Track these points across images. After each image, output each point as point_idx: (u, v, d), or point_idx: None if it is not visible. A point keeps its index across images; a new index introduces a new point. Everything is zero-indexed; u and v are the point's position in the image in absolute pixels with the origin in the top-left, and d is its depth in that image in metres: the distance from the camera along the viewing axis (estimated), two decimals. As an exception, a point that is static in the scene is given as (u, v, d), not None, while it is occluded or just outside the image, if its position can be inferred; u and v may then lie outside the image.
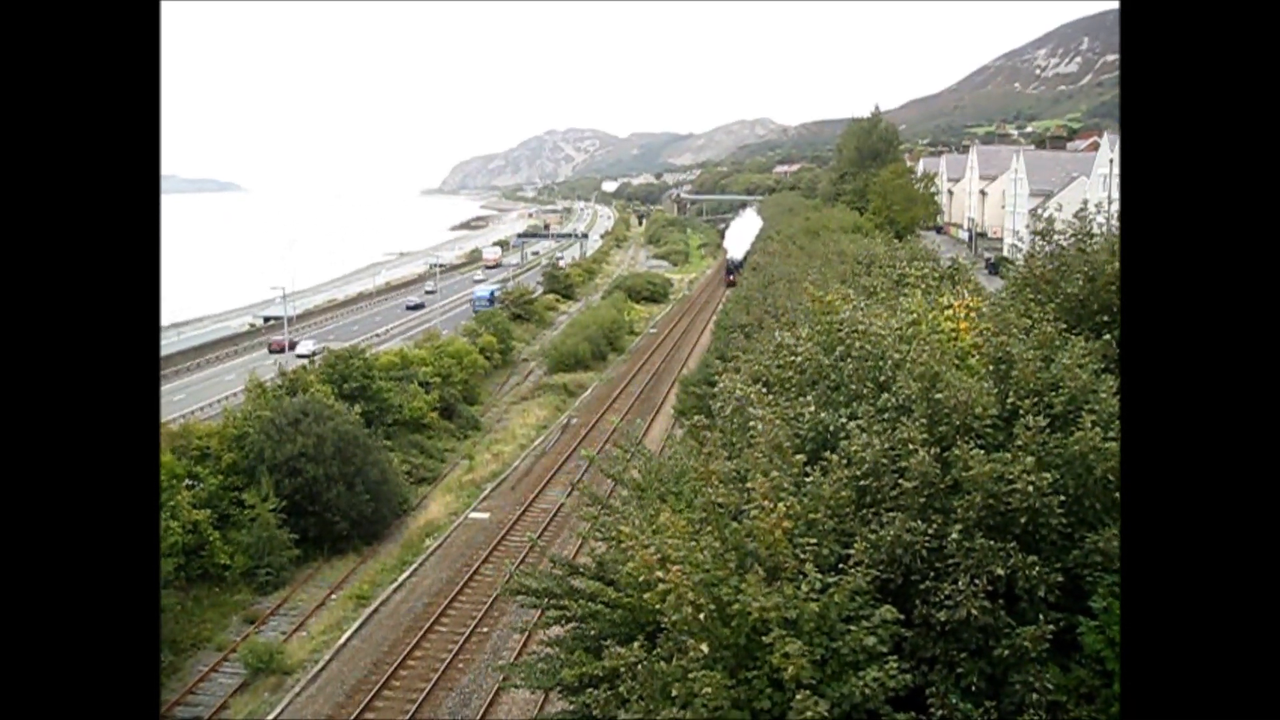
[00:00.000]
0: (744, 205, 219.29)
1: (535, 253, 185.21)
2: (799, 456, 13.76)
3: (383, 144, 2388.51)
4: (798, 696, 10.61)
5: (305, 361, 66.14)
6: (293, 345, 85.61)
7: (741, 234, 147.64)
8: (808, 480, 13.03)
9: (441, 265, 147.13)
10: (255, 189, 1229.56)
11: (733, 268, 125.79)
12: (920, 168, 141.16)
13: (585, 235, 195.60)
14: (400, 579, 40.84)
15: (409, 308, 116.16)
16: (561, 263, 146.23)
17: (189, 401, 64.66)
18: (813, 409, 15.23)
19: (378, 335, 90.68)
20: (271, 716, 30.57)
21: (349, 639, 35.72)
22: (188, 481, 42.10)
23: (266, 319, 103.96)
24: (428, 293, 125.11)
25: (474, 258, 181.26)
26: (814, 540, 12.16)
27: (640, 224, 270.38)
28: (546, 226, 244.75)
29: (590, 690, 14.15)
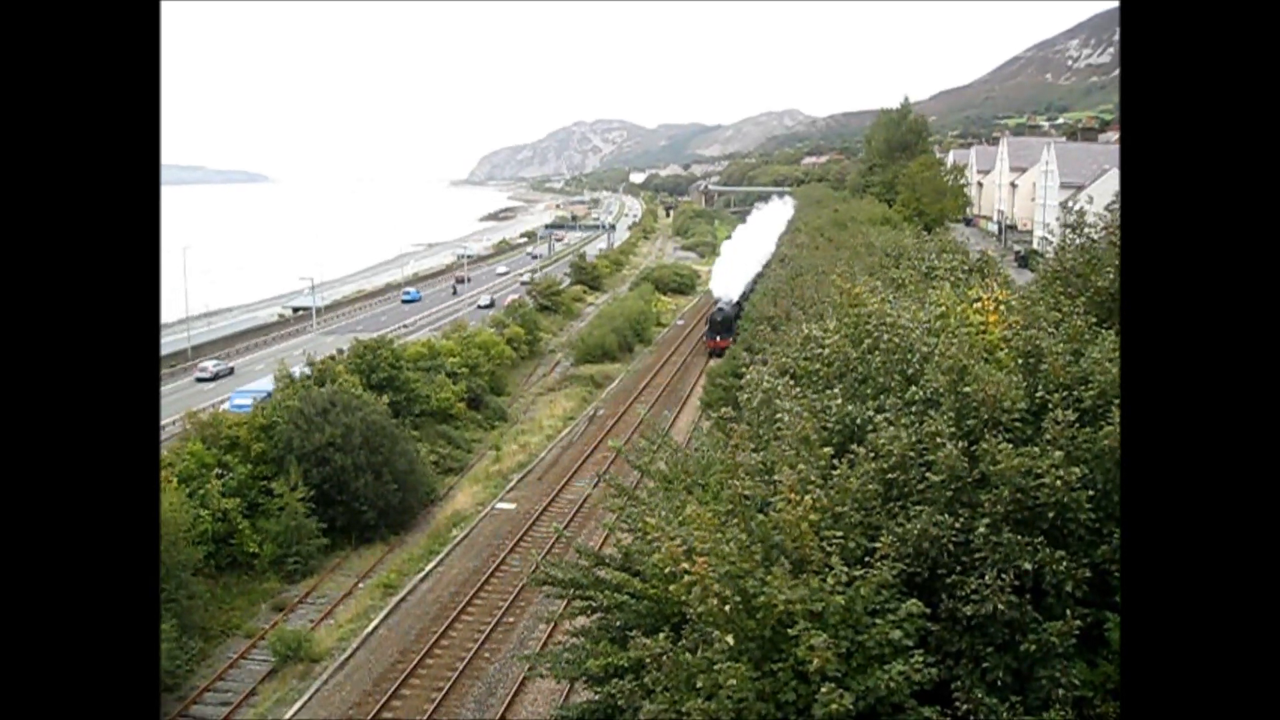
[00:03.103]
0: (755, 202, 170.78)
1: (601, 223, 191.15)
2: (826, 449, 13.75)
3: (411, 135, 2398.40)
4: (823, 689, 10.62)
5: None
6: (463, 281, 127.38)
7: (742, 255, 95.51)
8: (834, 473, 13.01)
9: (469, 256, 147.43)
10: (284, 180, 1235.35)
11: (723, 320, 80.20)
12: (949, 159, 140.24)
13: (613, 227, 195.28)
14: (427, 568, 41.03)
15: (533, 257, 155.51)
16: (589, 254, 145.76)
17: (219, 391, 65.06)
18: (840, 401, 15.21)
19: (405, 325, 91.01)
20: (288, 715, 30.78)
21: (376, 627, 35.92)
22: (217, 470, 42.41)
23: (296, 309, 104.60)
24: (534, 257, 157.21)
25: (502, 248, 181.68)
26: (840, 533, 12.16)
27: (668, 215, 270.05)
28: (574, 218, 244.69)
29: (616, 681, 14.18)
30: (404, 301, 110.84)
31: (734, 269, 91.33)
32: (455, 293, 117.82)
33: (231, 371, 75.23)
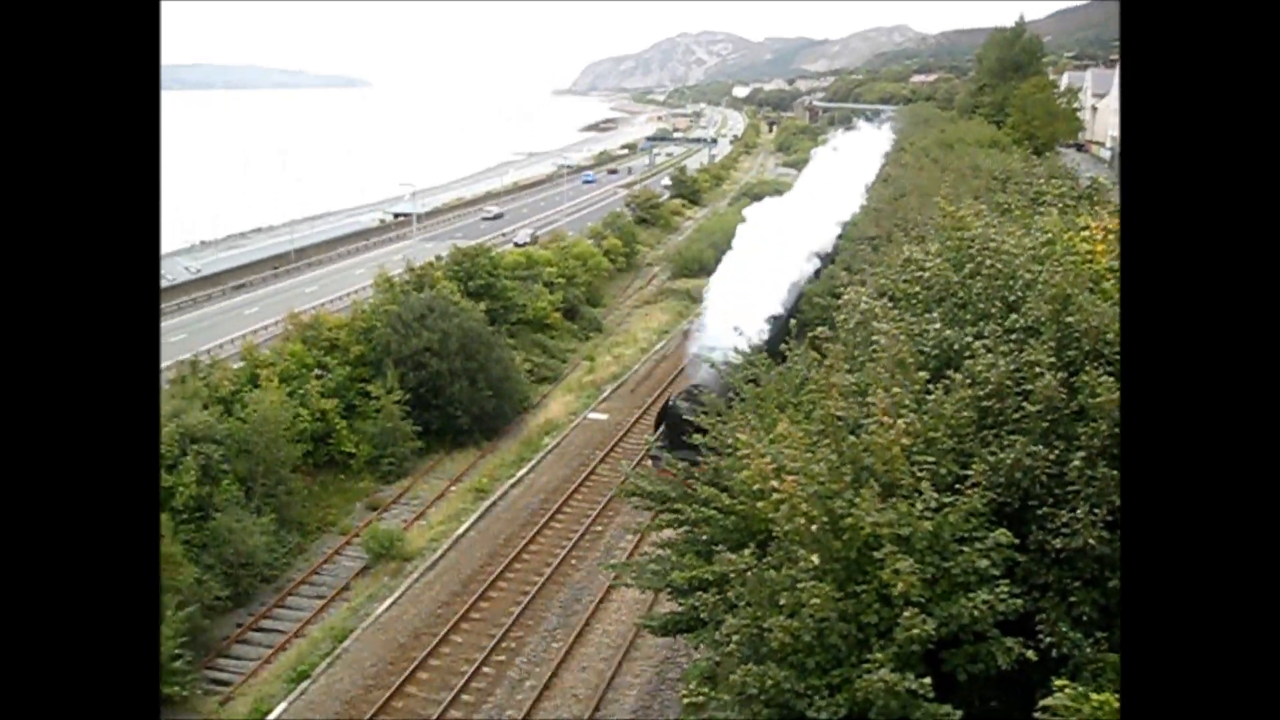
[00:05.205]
0: (844, 123, 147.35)
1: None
2: (921, 373, 13.63)
3: (515, 42, 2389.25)
4: (905, 613, 10.63)
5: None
6: (615, 171, 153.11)
7: (776, 250, 43.28)
8: (929, 398, 12.90)
9: (569, 166, 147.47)
10: (384, 85, 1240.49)
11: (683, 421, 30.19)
12: (1064, 82, 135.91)
13: (714, 140, 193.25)
14: (518, 475, 41.65)
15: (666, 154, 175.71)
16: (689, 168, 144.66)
17: (320, 294, 66.20)
18: (938, 326, 15.03)
19: (503, 234, 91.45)
20: (380, 610, 31.62)
21: (467, 530, 36.65)
22: (317, 371, 43.34)
23: (396, 214, 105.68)
24: (668, 154, 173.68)
25: (602, 159, 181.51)
26: (932, 459, 12.08)
27: (770, 131, 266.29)
28: (675, 130, 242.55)
29: (699, 593, 14.34)
30: (584, 182, 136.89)
31: (752, 283, 39.64)
32: (630, 171, 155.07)
33: (502, 215, 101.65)
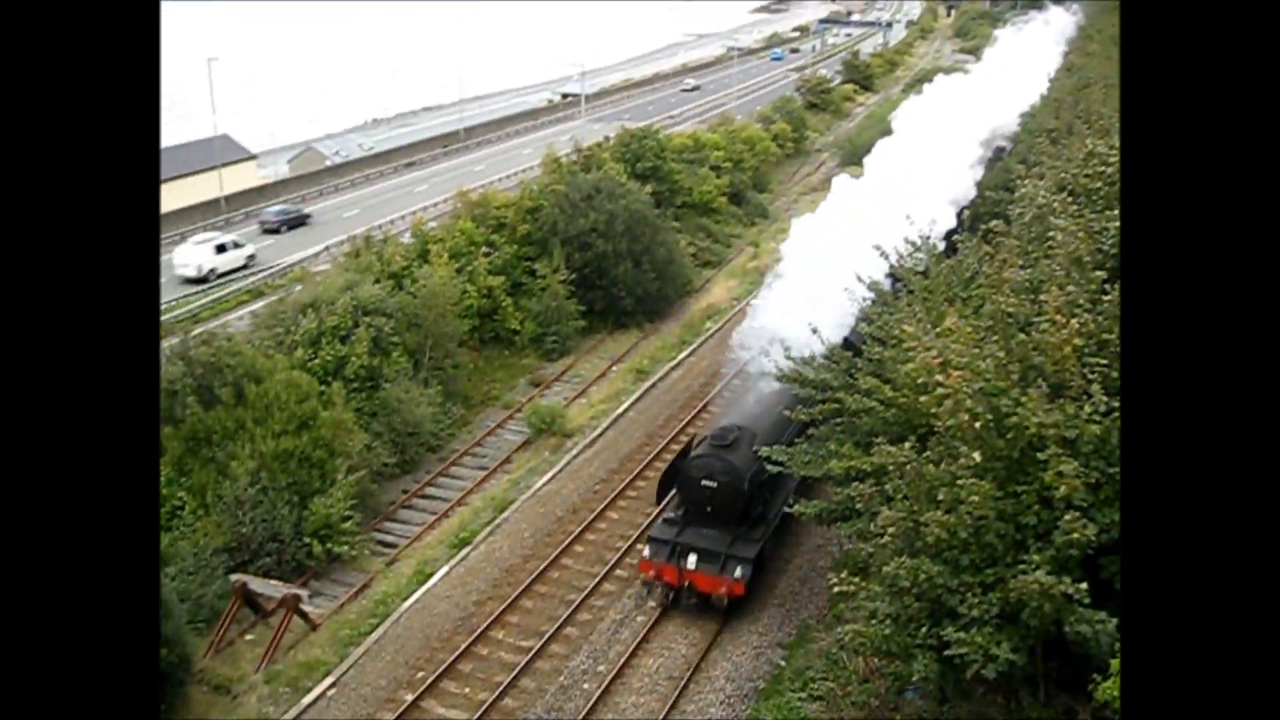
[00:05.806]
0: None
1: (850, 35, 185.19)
2: (1098, 273, 13.25)
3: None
4: (1066, 517, 10.51)
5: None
6: (796, 50, 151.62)
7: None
8: (1105, 298, 12.54)
9: (739, 49, 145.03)
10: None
11: (729, 493, 23.84)
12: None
13: (889, 24, 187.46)
14: (679, 358, 41.99)
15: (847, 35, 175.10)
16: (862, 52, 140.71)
17: (488, 172, 67.01)
18: (1119, 224, 14.51)
19: (671, 116, 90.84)
20: (539, 483, 32.42)
21: (626, 410, 37.23)
22: (485, 249, 44.10)
23: (564, 95, 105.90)
24: (847, 35, 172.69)
25: (772, 41, 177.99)
26: (1104, 361, 11.78)
27: (949, 15, 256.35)
28: (849, 14, 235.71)
29: (856, 484, 14.38)
30: (772, 59, 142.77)
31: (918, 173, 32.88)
32: (814, 50, 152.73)
33: (700, 87, 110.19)
